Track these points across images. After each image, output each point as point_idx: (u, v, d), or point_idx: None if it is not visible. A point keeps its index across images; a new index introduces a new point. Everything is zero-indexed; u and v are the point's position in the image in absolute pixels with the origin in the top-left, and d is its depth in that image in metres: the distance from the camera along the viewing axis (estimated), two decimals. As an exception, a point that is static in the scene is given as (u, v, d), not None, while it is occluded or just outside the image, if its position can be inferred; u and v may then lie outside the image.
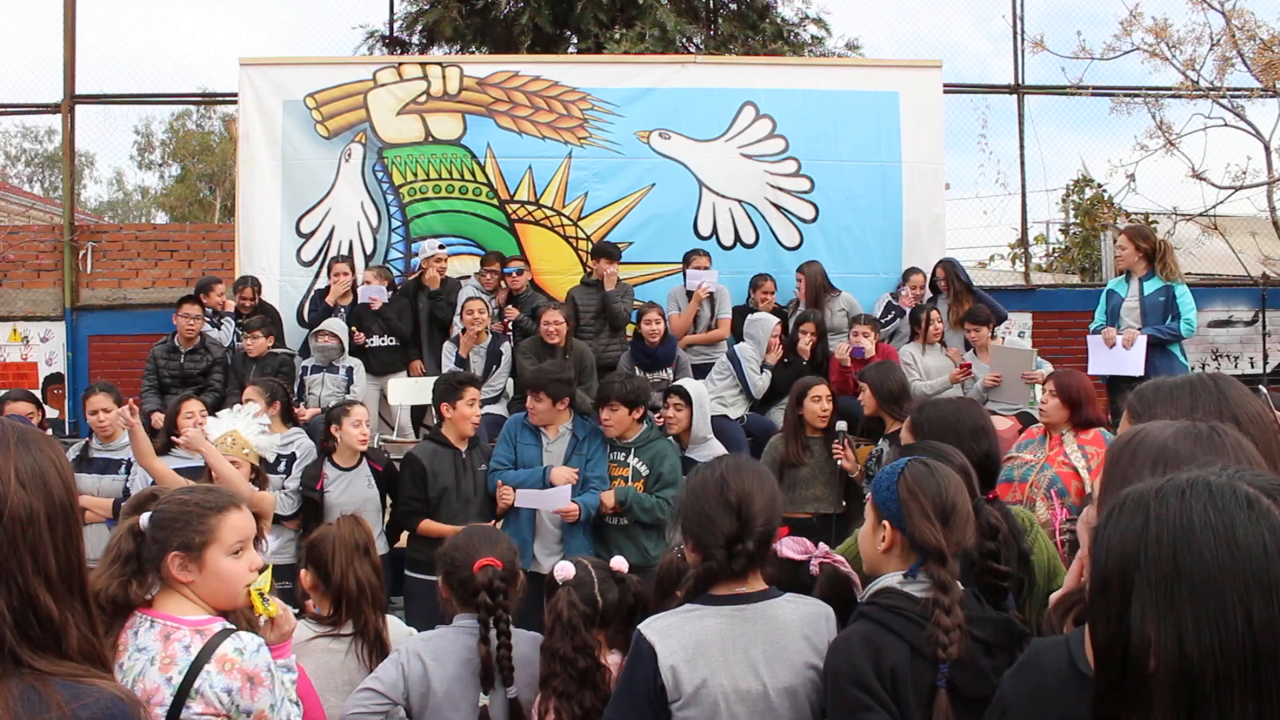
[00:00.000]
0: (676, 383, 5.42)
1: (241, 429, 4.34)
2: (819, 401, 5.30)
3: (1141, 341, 6.31)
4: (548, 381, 5.06)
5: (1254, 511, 0.99)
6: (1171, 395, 1.77)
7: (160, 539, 2.19)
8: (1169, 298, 6.42)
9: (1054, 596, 1.74)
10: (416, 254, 7.67)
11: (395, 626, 3.09)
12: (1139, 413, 1.79)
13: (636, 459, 5.07)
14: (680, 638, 2.13)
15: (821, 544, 2.58)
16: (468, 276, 7.57)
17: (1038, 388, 5.88)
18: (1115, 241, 6.93)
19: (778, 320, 6.77)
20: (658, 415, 6.33)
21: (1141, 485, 1.09)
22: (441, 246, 7.58)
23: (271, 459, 4.73)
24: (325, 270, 7.65)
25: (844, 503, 5.43)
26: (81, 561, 1.27)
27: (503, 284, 7.40)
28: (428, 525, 4.85)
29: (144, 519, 2.19)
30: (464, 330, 6.65)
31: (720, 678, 2.10)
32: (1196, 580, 0.97)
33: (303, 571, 3.08)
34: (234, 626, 2.20)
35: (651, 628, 2.16)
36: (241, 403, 5.35)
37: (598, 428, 5.22)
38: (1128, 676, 1.01)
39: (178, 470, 4.60)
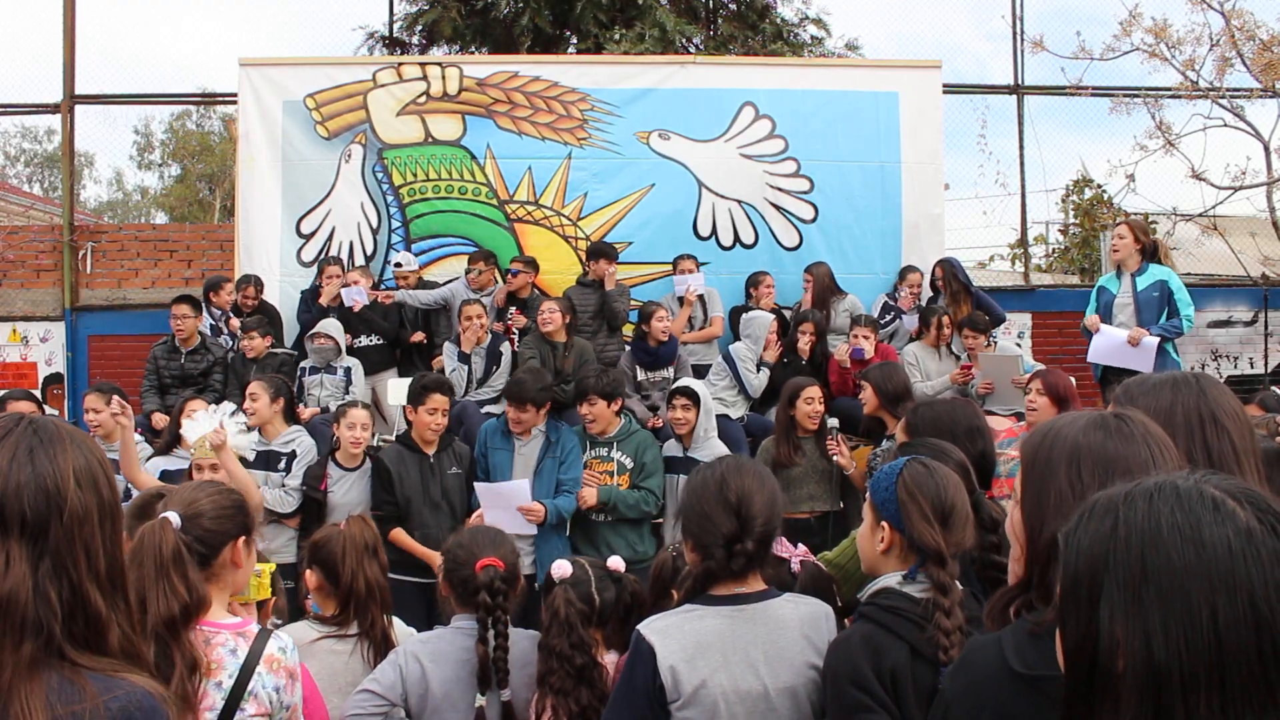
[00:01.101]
0: (683, 384, 5.43)
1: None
2: (810, 403, 5.33)
3: (1152, 342, 6.22)
4: (535, 392, 5.08)
5: (1219, 513, 1.00)
6: (1154, 390, 1.79)
7: (225, 529, 2.25)
8: (1164, 293, 6.36)
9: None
10: (394, 266, 7.64)
11: (399, 628, 3.09)
12: (1123, 404, 1.81)
13: (620, 452, 5.10)
14: (680, 638, 2.12)
15: (800, 545, 2.60)
16: (457, 278, 7.57)
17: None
18: (1114, 230, 6.81)
19: (774, 317, 6.77)
20: (656, 415, 6.37)
21: (1111, 490, 1.10)
22: (398, 264, 7.55)
23: (250, 458, 4.71)
24: (317, 270, 7.65)
25: (841, 503, 5.44)
26: (124, 560, 1.30)
27: (497, 281, 7.38)
28: (398, 535, 4.85)
29: (174, 517, 2.16)
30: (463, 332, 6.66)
31: (720, 678, 2.10)
32: (1164, 581, 0.98)
33: (307, 572, 3.08)
34: (262, 626, 2.28)
35: (651, 628, 2.16)
36: (245, 398, 5.36)
37: (570, 430, 5.24)
38: (1096, 678, 1.02)
39: (181, 470, 4.60)
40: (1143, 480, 1.09)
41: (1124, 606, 1.00)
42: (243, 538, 2.29)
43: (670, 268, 7.65)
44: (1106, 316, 6.53)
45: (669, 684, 2.09)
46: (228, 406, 4.51)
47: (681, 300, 7.27)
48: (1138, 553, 1.01)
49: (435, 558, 4.63)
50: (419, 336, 7.27)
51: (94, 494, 1.24)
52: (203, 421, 4.31)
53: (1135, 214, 9.59)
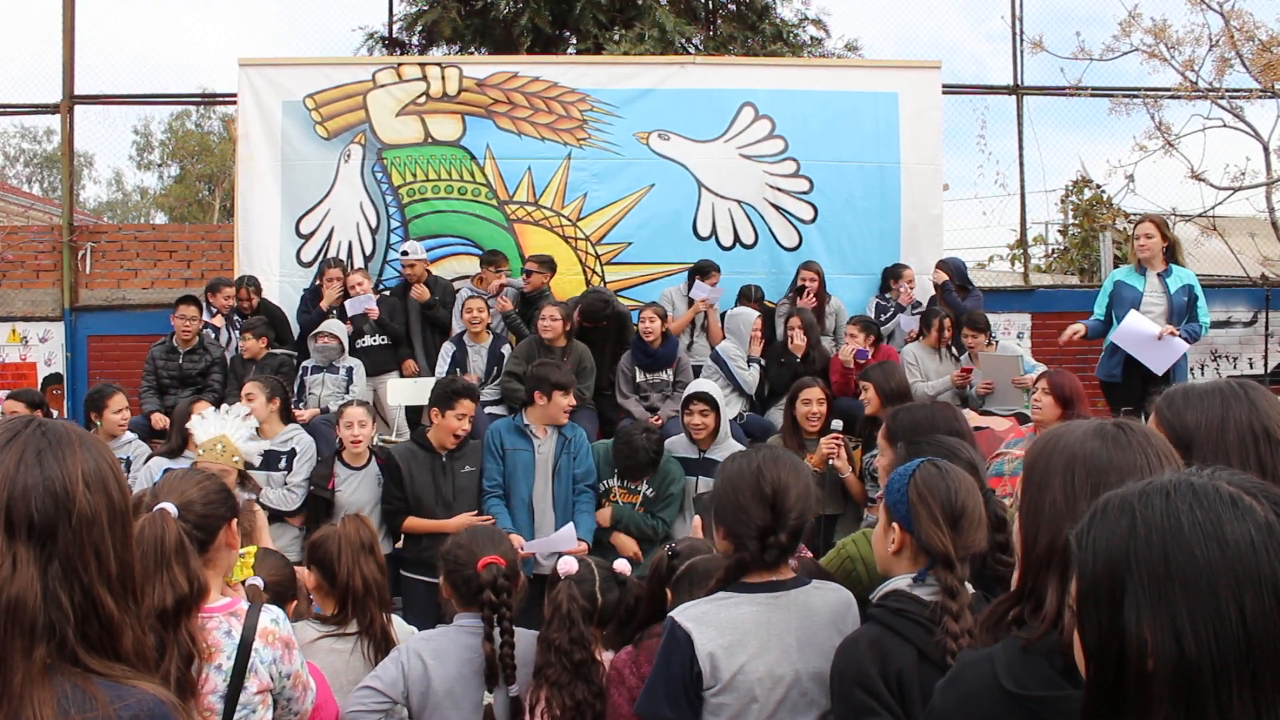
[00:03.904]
0: (702, 388, 5.35)
1: (230, 434, 4.26)
2: (808, 404, 5.33)
3: (1181, 345, 6.08)
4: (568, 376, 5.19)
5: (1238, 509, 1.01)
6: (1202, 402, 1.77)
7: (217, 514, 2.28)
8: (1191, 297, 6.24)
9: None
10: (400, 255, 7.56)
11: (400, 627, 3.10)
12: (1168, 418, 1.79)
13: (647, 486, 5.10)
14: (717, 625, 2.15)
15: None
16: (465, 278, 7.55)
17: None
18: (1136, 228, 6.55)
19: (757, 313, 6.76)
20: (656, 416, 6.36)
21: (1122, 489, 1.10)
22: (404, 253, 7.41)
23: (257, 464, 4.69)
24: (318, 272, 7.62)
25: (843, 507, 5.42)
26: (136, 563, 1.30)
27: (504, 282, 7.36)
28: (412, 522, 4.89)
29: (171, 508, 2.16)
30: (465, 329, 6.65)
31: (756, 664, 2.12)
32: (1189, 579, 0.99)
33: (306, 571, 3.09)
34: (252, 602, 2.31)
35: (686, 615, 2.17)
36: (241, 399, 5.36)
37: (579, 426, 5.28)
38: (1126, 679, 1.02)
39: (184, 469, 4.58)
40: (1154, 479, 1.09)
41: (1150, 606, 1.00)
42: (233, 520, 2.33)
43: (671, 267, 7.69)
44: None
45: (707, 671, 2.11)
46: (240, 409, 4.48)
47: (689, 302, 7.25)
48: (1160, 551, 1.01)
49: (456, 524, 4.65)
50: (412, 368, 7.21)
51: (103, 496, 1.24)
52: (212, 422, 4.28)
53: (1134, 215, 9.59)
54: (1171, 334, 6.07)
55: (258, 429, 5.21)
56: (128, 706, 1.16)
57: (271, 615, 2.27)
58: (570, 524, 4.87)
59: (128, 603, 1.25)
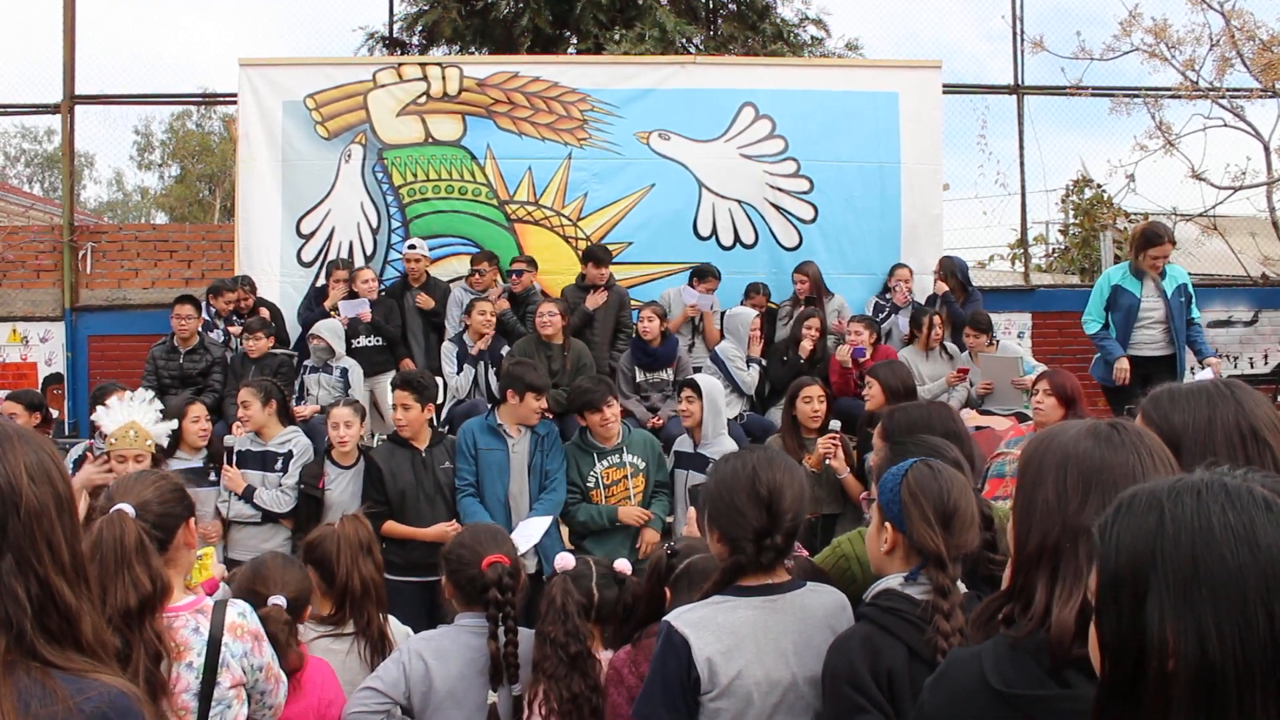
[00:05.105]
0: (690, 377, 5.43)
1: (139, 418, 4.22)
2: (809, 403, 5.32)
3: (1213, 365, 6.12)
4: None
5: (1271, 513, 0.99)
6: (1188, 402, 1.76)
7: (174, 512, 2.27)
8: (1187, 297, 6.31)
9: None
10: (407, 247, 7.59)
11: (396, 628, 3.10)
12: (1155, 419, 1.79)
13: (630, 455, 5.12)
14: (715, 629, 2.12)
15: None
16: (458, 279, 7.55)
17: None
18: (1153, 248, 6.33)
19: (755, 313, 6.77)
20: (657, 416, 6.36)
21: (1150, 484, 1.08)
22: (412, 246, 7.44)
23: (165, 445, 4.63)
24: (325, 273, 7.63)
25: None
26: (84, 552, 1.30)
27: (497, 282, 7.37)
28: (391, 527, 4.84)
29: (128, 508, 2.15)
30: (467, 329, 6.65)
31: (754, 668, 2.10)
32: (1217, 582, 0.97)
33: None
34: (220, 598, 2.32)
35: (683, 620, 2.15)
36: (236, 403, 5.37)
37: (547, 422, 5.29)
38: (1144, 678, 1.00)
39: (179, 470, 4.57)
40: (1185, 476, 1.07)
41: (1174, 606, 0.98)
42: (191, 519, 2.32)
43: (671, 267, 7.70)
44: (1129, 319, 6.35)
45: (705, 676, 2.09)
46: (144, 394, 4.42)
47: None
48: (1188, 551, 0.99)
49: (432, 534, 4.69)
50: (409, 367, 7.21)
51: (49, 488, 1.24)
52: (118, 410, 4.23)
53: (1135, 214, 9.59)
54: (1204, 365, 6.13)
55: (258, 432, 5.24)
56: (89, 700, 1.16)
57: (239, 609, 2.27)
58: (539, 517, 4.80)
59: (82, 589, 1.25)
